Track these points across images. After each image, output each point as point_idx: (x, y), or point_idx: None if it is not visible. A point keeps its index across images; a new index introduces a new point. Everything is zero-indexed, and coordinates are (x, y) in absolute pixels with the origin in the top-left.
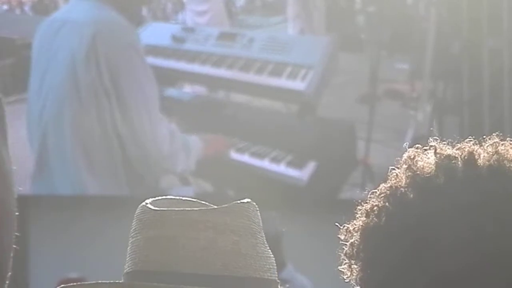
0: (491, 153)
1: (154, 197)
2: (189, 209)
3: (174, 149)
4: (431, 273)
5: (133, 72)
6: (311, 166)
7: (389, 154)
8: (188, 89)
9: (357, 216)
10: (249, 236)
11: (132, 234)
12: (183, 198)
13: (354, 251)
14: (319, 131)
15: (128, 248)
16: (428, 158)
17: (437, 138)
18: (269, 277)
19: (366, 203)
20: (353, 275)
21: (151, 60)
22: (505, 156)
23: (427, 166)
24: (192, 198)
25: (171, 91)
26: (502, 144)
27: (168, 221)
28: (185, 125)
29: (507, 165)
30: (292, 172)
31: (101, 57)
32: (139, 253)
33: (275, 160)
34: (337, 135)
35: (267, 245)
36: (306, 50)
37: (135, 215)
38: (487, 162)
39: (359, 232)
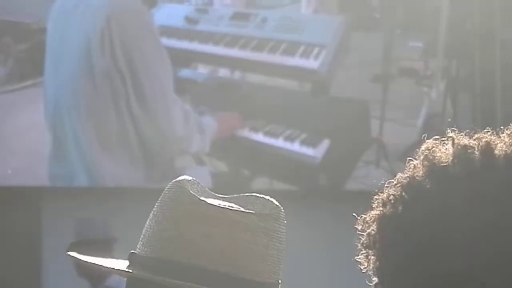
0: (508, 143)
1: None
2: (247, 211)
3: (189, 130)
4: (446, 266)
5: (148, 54)
6: (325, 144)
7: (403, 132)
8: (202, 70)
9: (374, 206)
10: (276, 240)
11: (158, 213)
12: (203, 187)
13: (371, 241)
14: (333, 109)
15: (153, 226)
16: (446, 148)
17: (451, 116)
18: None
19: (383, 193)
20: (370, 266)
21: (165, 41)
22: None
23: (445, 156)
24: (207, 177)
25: (185, 72)
26: None
27: (204, 217)
28: (199, 106)
29: None
30: (307, 150)
31: (115, 40)
32: (165, 241)
33: (289, 138)
34: (351, 113)
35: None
36: (319, 30)
37: (169, 194)
38: (503, 152)
39: (375, 222)
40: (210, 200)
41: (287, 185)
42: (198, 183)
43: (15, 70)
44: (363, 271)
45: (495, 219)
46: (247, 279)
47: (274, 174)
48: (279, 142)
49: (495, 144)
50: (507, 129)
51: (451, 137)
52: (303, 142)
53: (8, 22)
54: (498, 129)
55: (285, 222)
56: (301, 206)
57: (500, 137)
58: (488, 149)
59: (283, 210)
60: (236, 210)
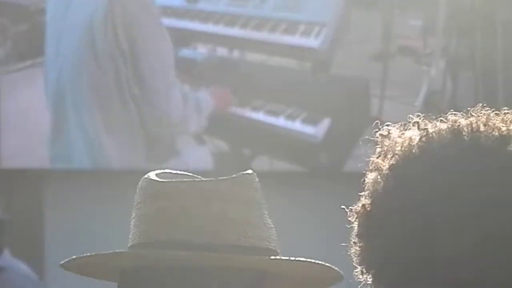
0: (482, 124)
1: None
2: (198, 179)
3: (187, 112)
4: (437, 251)
5: (148, 34)
6: (325, 123)
7: (403, 110)
8: (201, 49)
9: (361, 196)
10: (256, 207)
11: (138, 206)
12: (182, 172)
13: (359, 231)
14: (333, 88)
15: (134, 221)
16: (413, 133)
17: (450, 94)
18: (274, 248)
19: (365, 183)
20: (359, 255)
21: (165, 20)
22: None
23: (409, 142)
24: (208, 157)
25: (184, 52)
26: (492, 116)
27: (178, 192)
28: (199, 85)
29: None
30: (308, 129)
31: (117, 19)
32: (148, 224)
33: (291, 117)
34: (351, 92)
35: (268, 216)
36: (319, 8)
37: (138, 188)
38: (474, 133)
39: (361, 212)
40: (167, 178)
41: (287, 164)
42: (178, 172)
43: (13, 51)
44: (355, 263)
45: (478, 202)
46: (206, 243)
47: (274, 153)
48: (280, 121)
49: (467, 126)
50: (473, 111)
51: (416, 122)
52: (304, 121)
53: (5, 4)
54: (500, 108)
55: (253, 186)
56: (302, 185)
57: (468, 118)
58: (459, 132)
59: (252, 176)
60: (185, 181)
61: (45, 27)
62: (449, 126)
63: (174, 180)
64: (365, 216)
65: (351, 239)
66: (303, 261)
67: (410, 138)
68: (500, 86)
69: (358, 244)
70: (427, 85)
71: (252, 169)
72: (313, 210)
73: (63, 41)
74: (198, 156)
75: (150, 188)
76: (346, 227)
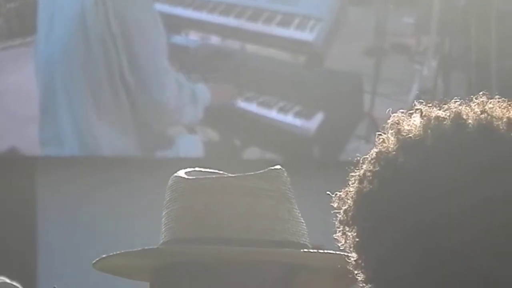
0: (478, 112)
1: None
2: (226, 175)
3: (182, 102)
4: (433, 246)
5: (141, 20)
6: (319, 117)
7: (394, 107)
8: (193, 37)
9: (350, 182)
10: (285, 201)
11: (167, 205)
12: (211, 170)
13: (348, 218)
14: (327, 82)
15: (164, 219)
16: (415, 121)
17: (442, 93)
18: (304, 242)
19: (358, 169)
20: (347, 242)
21: (158, 6)
22: (493, 114)
23: (414, 129)
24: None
25: (177, 39)
26: (490, 103)
27: (205, 189)
28: (191, 73)
29: (495, 124)
30: (300, 122)
31: (109, 4)
32: (177, 221)
33: (283, 110)
34: (345, 87)
35: (298, 211)
36: (315, 2)
37: (168, 186)
38: (475, 121)
39: (352, 198)
40: (192, 176)
41: (279, 156)
42: (207, 170)
43: (3, 28)
44: (340, 248)
45: (481, 193)
46: (234, 238)
47: (266, 145)
48: (272, 114)
49: (466, 114)
50: (476, 99)
51: (418, 109)
52: (297, 114)
53: None
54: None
55: (281, 181)
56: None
57: (469, 106)
58: (459, 119)
59: (281, 171)
60: (212, 177)
61: (37, 6)
62: (452, 113)
63: (201, 177)
64: (362, 200)
65: (337, 224)
66: (332, 253)
67: (415, 125)
68: (494, 83)
69: (347, 231)
70: (419, 83)
71: (243, 159)
72: (306, 200)
73: (54, 24)
74: (189, 145)
75: (178, 186)
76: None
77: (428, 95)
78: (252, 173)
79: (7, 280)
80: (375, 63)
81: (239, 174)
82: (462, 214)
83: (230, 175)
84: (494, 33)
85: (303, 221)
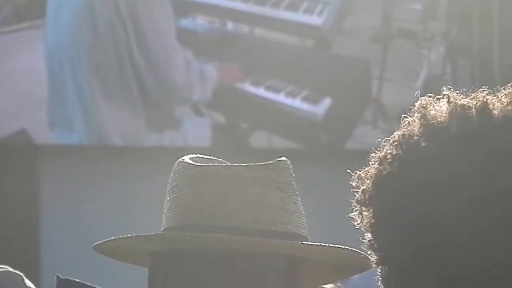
0: (505, 103)
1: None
2: (236, 165)
3: (190, 78)
4: (446, 234)
5: (149, 2)
6: (327, 102)
7: (402, 93)
8: (201, 20)
9: (370, 163)
10: (291, 193)
11: (174, 190)
12: (213, 158)
13: (366, 198)
14: (335, 67)
15: (169, 204)
16: (441, 106)
17: (450, 80)
18: (305, 234)
19: (379, 150)
20: (363, 222)
21: None
22: None
23: (440, 115)
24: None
25: (185, 22)
26: None
27: (215, 177)
28: (199, 57)
29: None
30: (308, 107)
31: None
32: (185, 208)
33: (291, 94)
34: (353, 72)
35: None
36: None
37: (173, 171)
38: (501, 112)
39: (371, 179)
40: (201, 163)
41: (286, 141)
42: (212, 158)
43: (11, 11)
44: (356, 227)
45: (501, 185)
46: (242, 228)
47: (273, 129)
48: (281, 98)
49: (493, 104)
50: (504, 89)
51: (446, 95)
52: (305, 99)
53: None
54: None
55: (288, 172)
56: (301, 163)
57: (497, 96)
58: (485, 108)
59: (287, 163)
60: (223, 166)
61: None
62: (479, 102)
63: (211, 164)
64: (380, 181)
65: (355, 204)
66: (334, 247)
67: (441, 112)
68: (496, 71)
69: (364, 210)
70: (427, 69)
71: (250, 143)
72: (312, 188)
73: (62, 8)
74: (196, 128)
75: (187, 172)
76: (345, 204)
77: (436, 81)
78: (261, 163)
79: (10, 269)
80: (382, 48)
81: (249, 164)
82: (480, 203)
83: (239, 164)
84: (497, 22)
85: (304, 213)
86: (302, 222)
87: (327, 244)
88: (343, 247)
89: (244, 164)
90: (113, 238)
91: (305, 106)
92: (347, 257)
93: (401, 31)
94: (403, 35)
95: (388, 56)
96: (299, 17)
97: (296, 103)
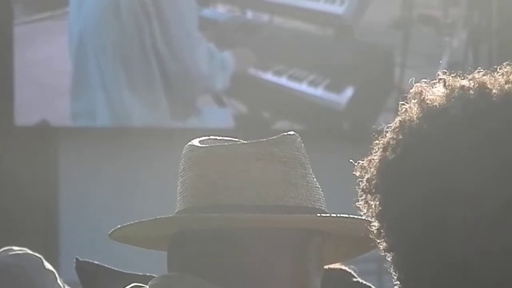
0: (503, 82)
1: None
2: (238, 142)
3: (213, 69)
4: (454, 215)
5: None
6: (349, 91)
7: (423, 80)
8: (221, 10)
9: (373, 151)
10: (298, 166)
11: (181, 173)
12: (226, 138)
13: (371, 186)
14: (356, 55)
15: (178, 188)
16: (438, 90)
17: (472, 66)
18: (320, 207)
19: (382, 137)
20: (370, 211)
21: None
22: None
23: (438, 98)
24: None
25: (205, 12)
26: None
27: (218, 156)
28: (220, 46)
29: None
30: (330, 96)
31: None
32: (191, 190)
33: (313, 83)
34: (375, 59)
35: (313, 176)
36: None
37: (182, 155)
38: (501, 91)
39: (376, 167)
40: (204, 144)
41: (309, 130)
42: (222, 138)
43: (33, 1)
44: (362, 216)
45: (505, 164)
46: (247, 205)
47: (295, 118)
48: (303, 87)
49: (492, 83)
50: (499, 69)
51: (442, 78)
52: (327, 88)
53: None
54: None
55: (294, 146)
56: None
57: (493, 76)
58: (485, 88)
59: (294, 137)
60: (224, 145)
61: None
62: (477, 83)
63: (213, 145)
64: (385, 168)
65: (361, 193)
66: (348, 217)
67: (439, 95)
68: None
69: (370, 199)
70: (448, 56)
71: (272, 131)
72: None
73: None
74: (219, 117)
75: (192, 155)
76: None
77: (458, 67)
78: (264, 139)
79: (29, 251)
80: (404, 35)
81: (252, 141)
82: (487, 180)
83: (243, 141)
84: None
85: (318, 186)
86: (313, 194)
87: (340, 215)
88: (361, 217)
89: (246, 142)
90: (120, 226)
91: (327, 95)
92: (365, 228)
93: (422, 17)
94: (424, 21)
95: (410, 43)
96: (321, 5)
97: (318, 92)
